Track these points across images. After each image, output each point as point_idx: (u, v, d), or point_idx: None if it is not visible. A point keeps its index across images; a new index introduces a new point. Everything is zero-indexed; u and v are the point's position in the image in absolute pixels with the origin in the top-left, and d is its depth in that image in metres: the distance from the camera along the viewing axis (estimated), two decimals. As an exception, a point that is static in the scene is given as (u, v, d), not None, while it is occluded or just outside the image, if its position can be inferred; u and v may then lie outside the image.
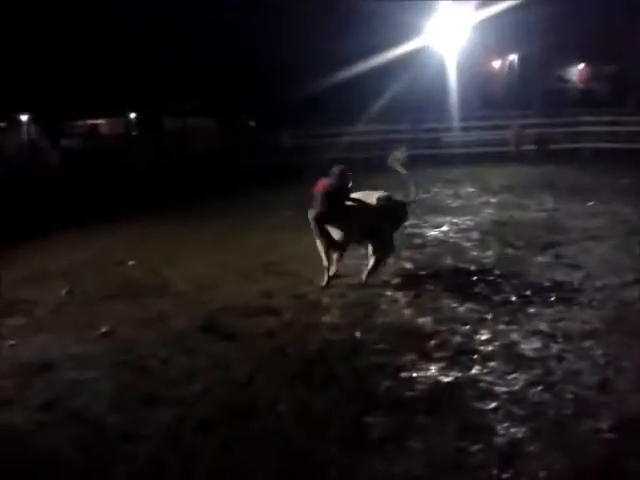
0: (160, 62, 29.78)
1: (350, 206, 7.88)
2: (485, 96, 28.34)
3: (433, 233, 10.81)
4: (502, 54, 34.39)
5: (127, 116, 35.14)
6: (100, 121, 35.78)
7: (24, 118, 31.63)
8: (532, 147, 20.87)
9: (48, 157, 25.91)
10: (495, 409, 4.84)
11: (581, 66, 36.06)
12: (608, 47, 29.33)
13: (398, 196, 8.49)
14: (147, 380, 5.70)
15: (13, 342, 6.87)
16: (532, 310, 6.80)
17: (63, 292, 8.52)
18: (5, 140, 29.40)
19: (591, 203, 12.49)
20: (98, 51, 28.86)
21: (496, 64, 35.14)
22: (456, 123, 23.67)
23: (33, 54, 26.90)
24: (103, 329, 6.99)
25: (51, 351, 6.51)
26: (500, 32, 28.39)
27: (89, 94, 28.95)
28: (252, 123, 34.07)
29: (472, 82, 25.91)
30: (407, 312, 6.99)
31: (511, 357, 5.71)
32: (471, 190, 15.27)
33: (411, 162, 9.00)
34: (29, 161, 25.51)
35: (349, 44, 23.86)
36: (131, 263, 9.94)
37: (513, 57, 34.81)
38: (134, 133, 34.33)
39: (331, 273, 8.17)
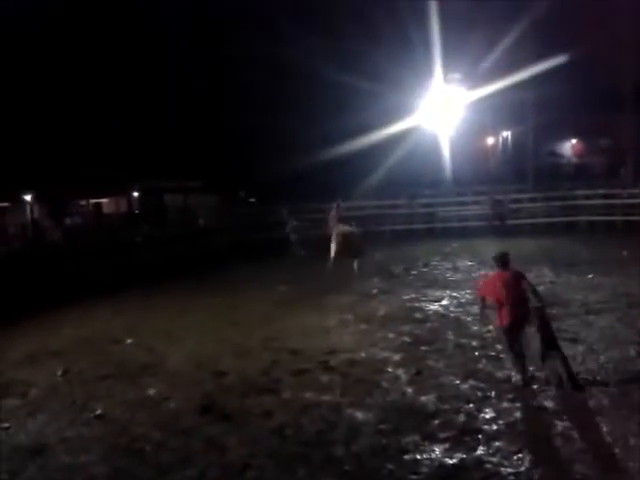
0: (162, 143, 30.66)
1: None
2: (480, 172, 28.96)
3: (433, 307, 10.76)
4: (496, 131, 35.49)
5: (130, 194, 35.77)
6: (103, 200, 36.39)
7: (28, 198, 32.16)
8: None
9: (51, 236, 26.15)
10: (502, 492, 4.68)
11: (574, 141, 37.15)
12: (600, 122, 30.35)
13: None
14: (141, 465, 5.53)
15: (7, 425, 6.72)
16: (536, 386, 6.67)
17: (59, 372, 8.40)
18: (8, 219, 29.79)
19: (590, 276, 12.49)
20: (102, 132, 29.78)
21: (490, 141, 36.18)
22: (451, 198, 24.07)
23: (36, 135, 27.69)
24: (98, 411, 6.85)
25: (45, 434, 6.37)
26: (493, 111, 29.49)
27: (93, 174, 29.61)
28: (252, 199, 34.72)
29: (467, 158, 26.56)
30: (409, 390, 6.86)
31: (516, 436, 5.57)
32: (469, 263, 15.32)
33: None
34: (32, 240, 25.75)
35: (345, 122, 24.65)
36: (129, 341, 9.84)
37: (507, 134, 35.92)
38: (137, 211, 34.84)
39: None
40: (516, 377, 6.82)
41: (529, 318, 6.45)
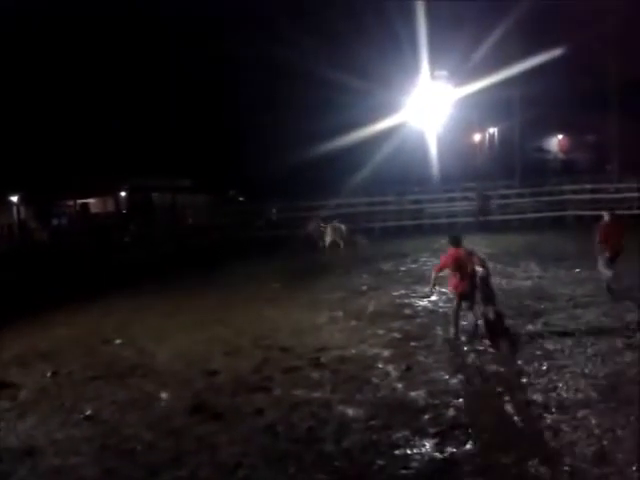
0: (152, 142, 30.49)
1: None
2: (467, 168, 29.05)
3: (422, 303, 10.81)
4: (482, 128, 35.63)
5: (117, 194, 35.55)
6: (90, 200, 36.14)
7: (14, 199, 31.91)
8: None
9: (38, 237, 25.98)
10: (492, 486, 4.71)
11: (560, 137, 37.36)
12: (585, 118, 30.54)
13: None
14: (131, 465, 5.51)
15: (-3, 427, 6.68)
16: (524, 380, 6.73)
17: (49, 374, 8.35)
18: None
19: (578, 270, 12.58)
20: (90, 133, 29.56)
21: (477, 137, 36.32)
22: (440, 194, 24.17)
23: (23, 136, 27.43)
24: (87, 412, 6.82)
25: (35, 436, 6.33)
26: (480, 107, 29.60)
27: (80, 174, 29.39)
28: (241, 198, 34.67)
29: (454, 155, 26.66)
30: (399, 386, 6.89)
31: (505, 430, 5.61)
32: (458, 259, 15.36)
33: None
34: (19, 241, 25.57)
35: (333, 120, 24.65)
36: (118, 341, 9.80)
37: (493, 130, 36.06)
38: (124, 211, 34.64)
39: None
40: (505, 370, 6.96)
41: (476, 286, 8.08)
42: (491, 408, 6.08)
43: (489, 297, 8.12)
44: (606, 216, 10.50)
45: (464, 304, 8.25)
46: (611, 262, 10.03)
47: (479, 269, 8.06)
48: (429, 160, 24.37)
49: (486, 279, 8.09)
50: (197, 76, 30.26)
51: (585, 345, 7.72)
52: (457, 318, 8.36)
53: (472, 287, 8.08)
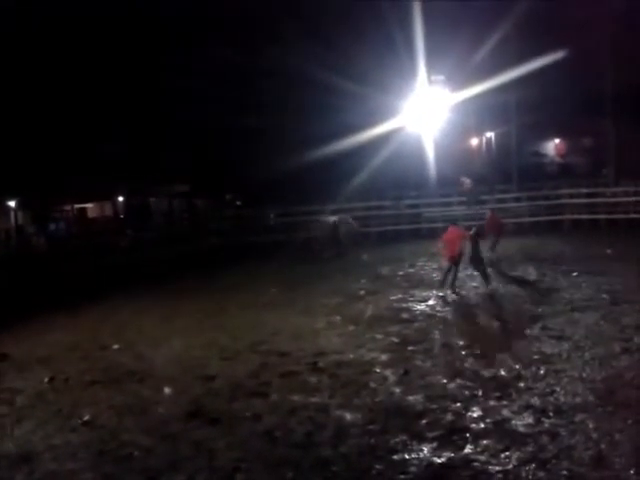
0: (150, 146, 30.46)
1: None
2: (464, 173, 29.05)
3: (420, 307, 10.82)
4: (479, 132, 35.68)
5: (115, 199, 35.52)
6: (88, 205, 36.10)
7: (12, 204, 31.84)
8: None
9: (35, 241, 25.92)
10: (489, 490, 4.70)
11: (557, 141, 37.42)
12: (582, 122, 30.60)
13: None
14: (129, 471, 5.49)
15: (-7, 433, 6.65)
16: (522, 384, 6.73)
17: (46, 379, 8.33)
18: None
19: (575, 274, 12.60)
20: (89, 137, 29.52)
21: (474, 142, 36.38)
22: (437, 199, 24.18)
23: (21, 141, 27.37)
24: (85, 417, 6.80)
25: (32, 441, 6.31)
26: (477, 112, 29.67)
27: (78, 179, 29.33)
28: (238, 202, 34.67)
29: (451, 159, 26.69)
30: (397, 390, 6.89)
31: (503, 434, 5.60)
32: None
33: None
34: (16, 246, 25.53)
35: (330, 124, 24.66)
36: (116, 347, 9.78)
37: (490, 135, 36.10)
38: (122, 216, 34.60)
39: None
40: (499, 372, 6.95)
41: (462, 256, 11.63)
42: (489, 412, 6.07)
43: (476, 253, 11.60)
44: (488, 213, 15.48)
45: (453, 267, 11.55)
46: (495, 244, 15.01)
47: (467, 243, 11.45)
48: (426, 165, 24.38)
49: (476, 235, 11.73)
50: (196, 77, 30.22)
51: (583, 349, 7.73)
52: (447, 277, 11.77)
53: (459, 256, 11.51)
